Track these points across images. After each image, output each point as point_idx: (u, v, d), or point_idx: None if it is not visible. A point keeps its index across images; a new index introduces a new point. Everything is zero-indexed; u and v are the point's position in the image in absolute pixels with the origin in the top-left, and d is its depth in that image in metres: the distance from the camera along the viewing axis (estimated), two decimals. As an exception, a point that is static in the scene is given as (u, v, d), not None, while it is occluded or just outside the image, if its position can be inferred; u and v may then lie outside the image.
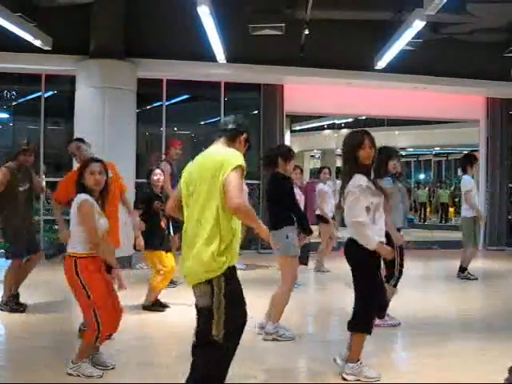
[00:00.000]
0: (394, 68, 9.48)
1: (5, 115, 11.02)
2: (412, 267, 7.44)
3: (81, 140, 5.34)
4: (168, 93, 10.46)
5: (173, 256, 5.85)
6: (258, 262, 9.01)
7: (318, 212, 8.21)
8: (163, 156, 7.92)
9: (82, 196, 3.83)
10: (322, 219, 8.20)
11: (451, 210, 18.28)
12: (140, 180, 8.48)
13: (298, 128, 19.49)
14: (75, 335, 4.53)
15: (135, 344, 4.68)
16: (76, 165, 8.62)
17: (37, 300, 6.11)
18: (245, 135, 3.22)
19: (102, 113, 8.66)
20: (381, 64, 9.23)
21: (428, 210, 19.66)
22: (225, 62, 9.01)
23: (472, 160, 7.95)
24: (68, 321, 5.46)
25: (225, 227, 2.95)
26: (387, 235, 4.08)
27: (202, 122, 11.88)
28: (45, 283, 6.85)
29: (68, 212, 4.05)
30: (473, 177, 8.01)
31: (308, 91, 10.78)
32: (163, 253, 5.71)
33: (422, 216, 19.41)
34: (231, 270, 3.00)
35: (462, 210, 8.07)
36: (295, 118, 11.73)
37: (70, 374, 3.80)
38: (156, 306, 5.82)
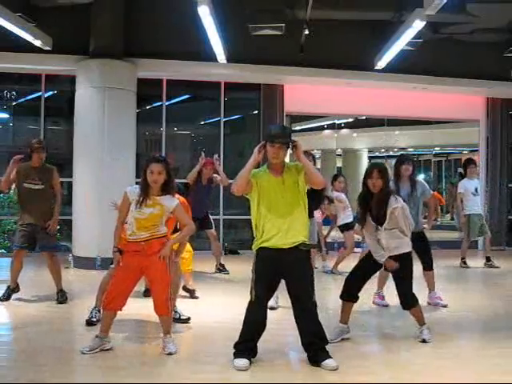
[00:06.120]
0: (394, 68, 9.47)
1: (5, 115, 10.99)
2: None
3: None
4: (168, 93, 10.46)
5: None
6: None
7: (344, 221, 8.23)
8: None
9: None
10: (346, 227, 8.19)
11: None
12: (140, 180, 8.45)
13: (298, 128, 19.42)
14: (78, 334, 4.57)
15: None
16: (76, 166, 8.56)
17: (39, 298, 6.12)
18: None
19: (101, 113, 8.66)
20: (381, 64, 9.23)
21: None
22: (225, 61, 9.00)
23: (466, 164, 9.09)
24: (71, 319, 5.49)
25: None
26: None
27: (202, 122, 11.87)
28: (45, 281, 6.83)
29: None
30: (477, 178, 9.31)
31: (308, 91, 10.78)
32: None
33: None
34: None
35: None
36: (295, 118, 11.72)
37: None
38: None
